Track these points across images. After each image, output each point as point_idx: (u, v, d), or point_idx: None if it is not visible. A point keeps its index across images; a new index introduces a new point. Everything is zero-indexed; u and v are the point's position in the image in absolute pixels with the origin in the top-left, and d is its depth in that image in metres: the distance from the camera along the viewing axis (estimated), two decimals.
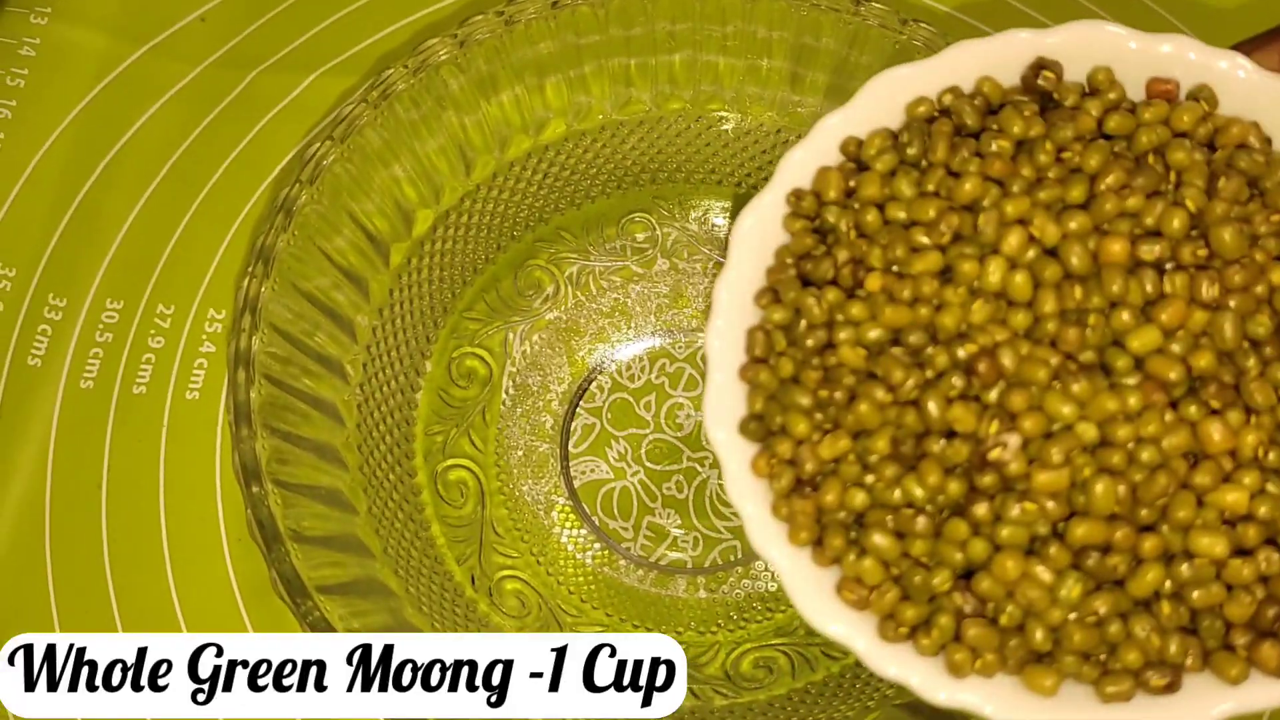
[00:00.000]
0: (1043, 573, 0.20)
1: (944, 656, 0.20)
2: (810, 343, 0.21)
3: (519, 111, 0.33)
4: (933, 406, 0.20)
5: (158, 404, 0.35)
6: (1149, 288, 0.20)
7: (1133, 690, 0.20)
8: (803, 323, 0.21)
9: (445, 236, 0.34)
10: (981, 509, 0.20)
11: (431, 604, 0.30)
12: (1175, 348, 0.20)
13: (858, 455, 0.21)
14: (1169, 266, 0.20)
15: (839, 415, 0.21)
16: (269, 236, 0.28)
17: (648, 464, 0.34)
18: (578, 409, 0.35)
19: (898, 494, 0.20)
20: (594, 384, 0.35)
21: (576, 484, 0.34)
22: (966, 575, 0.20)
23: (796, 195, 0.22)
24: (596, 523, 0.33)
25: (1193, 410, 0.20)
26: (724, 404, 0.22)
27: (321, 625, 0.25)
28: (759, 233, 0.22)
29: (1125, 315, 0.20)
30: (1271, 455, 0.20)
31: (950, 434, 0.20)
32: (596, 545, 0.33)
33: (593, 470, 0.34)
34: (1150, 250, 0.20)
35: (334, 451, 0.30)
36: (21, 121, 0.39)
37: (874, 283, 0.21)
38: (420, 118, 0.32)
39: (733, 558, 0.33)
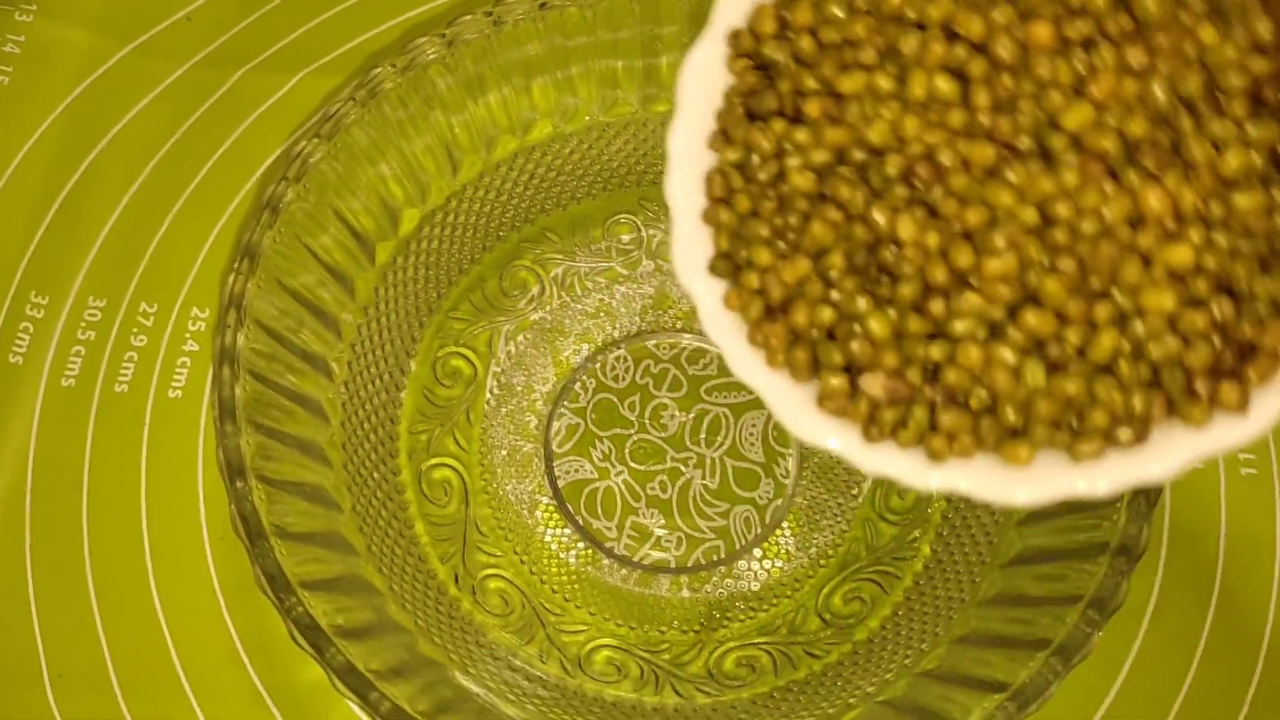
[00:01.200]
0: (1007, 355, 0.20)
1: (924, 447, 0.21)
2: (763, 176, 0.22)
3: (506, 112, 0.34)
4: (879, 217, 0.21)
5: (140, 402, 0.35)
6: (1079, 65, 0.20)
7: (1103, 448, 0.21)
8: (754, 157, 0.22)
9: (431, 236, 0.34)
10: (937, 305, 0.21)
11: (414, 602, 0.30)
12: (1109, 119, 0.20)
13: (820, 274, 0.21)
14: (1100, 41, 0.20)
15: (798, 240, 0.22)
16: (255, 233, 0.28)
17: (631, 464, 0.34)
18: (562, 409, 0.35)
19: (861, 303, 0.21)
20: (578, 384, 0.35)
21: (560, 484, 0.34)
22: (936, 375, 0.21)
23: (735, 35, 0.23)
24: (580, 522, 0.33)
25: (1131, 177, 0.20)
26: (692, 250, 0.23)
27: (305, 620, 0.25)
28: (705, 79, 0.23)
29: (1056, 96, 0.20)
30: (1215, 207, 0.20)
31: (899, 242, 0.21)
32: (580, 545, 0.33)
33: (577, 470, 0.34)
34: (1076, 28, 0.20)
35: (318, 449, 0.30)
36: (5, 118, 0.39)
37: (813, 108, 0.21)
38: (408, 117, 0.32)
39: (715, 557, 0.33)
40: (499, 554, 0.33)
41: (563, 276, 0.36)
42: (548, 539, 0.33)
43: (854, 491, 0.33)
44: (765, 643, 0.32)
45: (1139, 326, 0.20)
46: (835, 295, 0.21)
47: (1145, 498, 0.27)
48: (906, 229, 0.21)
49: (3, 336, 0.36)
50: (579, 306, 0.36)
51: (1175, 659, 0.33)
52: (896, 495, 0.33)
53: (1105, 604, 0.26)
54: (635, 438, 0.35)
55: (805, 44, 0.22)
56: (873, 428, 0.22)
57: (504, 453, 0.34)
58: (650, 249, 0.36)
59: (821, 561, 0.33)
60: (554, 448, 0.34)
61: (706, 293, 0.22)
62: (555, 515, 0.33)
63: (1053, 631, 0.26)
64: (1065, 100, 0.20)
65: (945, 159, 0.21)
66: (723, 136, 0.23)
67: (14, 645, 0.32)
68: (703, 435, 0.34)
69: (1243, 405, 0.20)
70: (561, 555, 0.33)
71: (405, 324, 0.34)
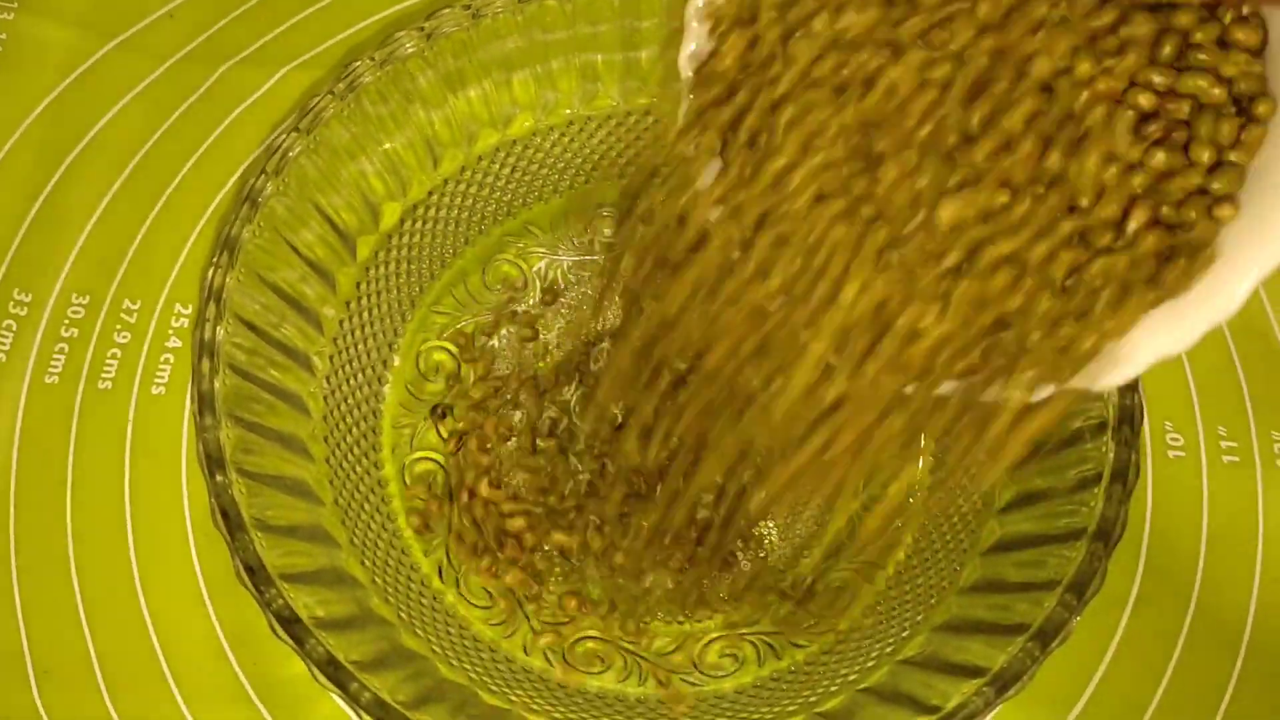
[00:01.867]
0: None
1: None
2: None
3: (486, 106, 0.34)
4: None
5: (123, 399, 0.35)
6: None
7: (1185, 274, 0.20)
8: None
9: (413, 230, 0.34)
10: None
11: (397, 595, 0.30)
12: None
13: None
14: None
15: None
16: (234, 227, 0.28)
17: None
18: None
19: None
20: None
21: None
22: None
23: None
24: None
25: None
26: None
27: (286, 613, 0.25)
28: None
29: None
30: (1141, 99, 0.20)
31: None
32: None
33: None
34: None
35: (300, 443, 0.30)
36: None
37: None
38: (388, 112, 0.32)
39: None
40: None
41: (545, 270, 0.36)
42: None
43: None
44: (749, 633, 0.32)
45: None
46: None
47: (1122, 483, 0.27)
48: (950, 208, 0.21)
49: None
50: (562, 300, 0.36)
51: (1157, 647, 0.33)
52: (880, 485, 0.33)
53: (1083, 588, 0.26)
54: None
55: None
56: None
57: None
58: None
59: (805, 552, 0.33)
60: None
61: None
62: None
63: (1031, 616, 0.26)
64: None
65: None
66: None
67: (0, 643, 0.32)
68: None
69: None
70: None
71: (387, 318, 0.34)
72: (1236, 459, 0.35)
